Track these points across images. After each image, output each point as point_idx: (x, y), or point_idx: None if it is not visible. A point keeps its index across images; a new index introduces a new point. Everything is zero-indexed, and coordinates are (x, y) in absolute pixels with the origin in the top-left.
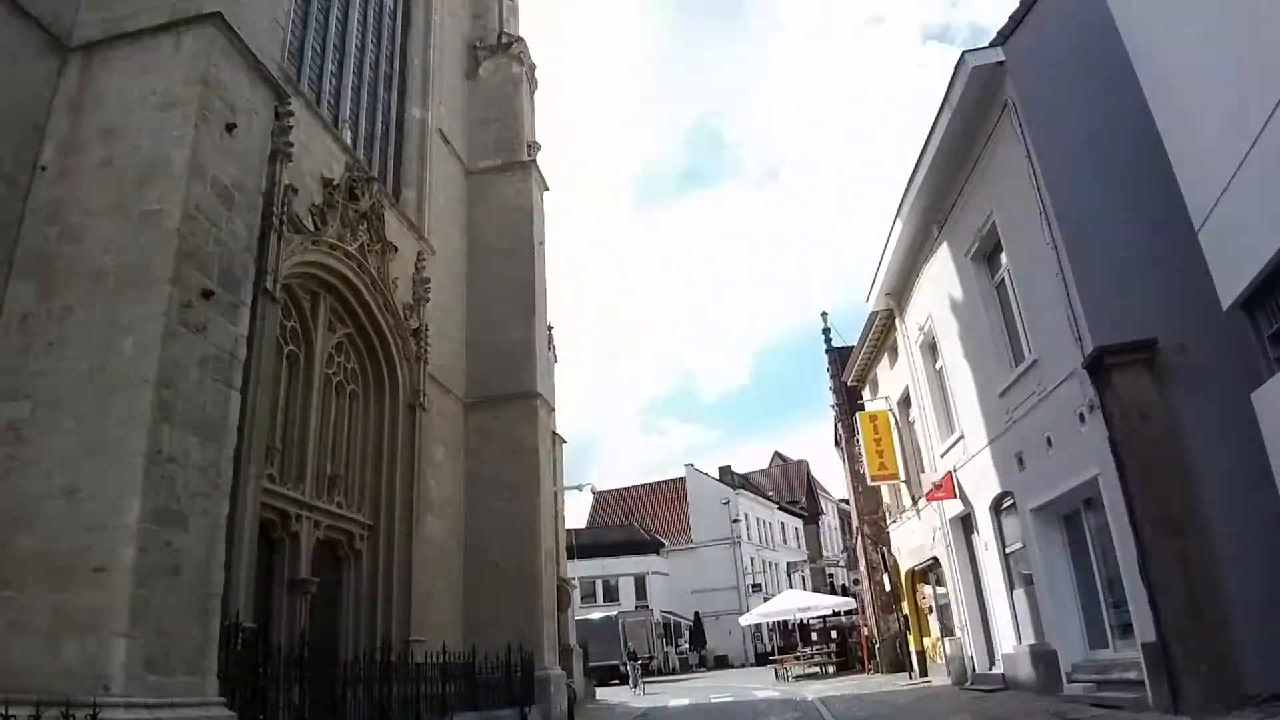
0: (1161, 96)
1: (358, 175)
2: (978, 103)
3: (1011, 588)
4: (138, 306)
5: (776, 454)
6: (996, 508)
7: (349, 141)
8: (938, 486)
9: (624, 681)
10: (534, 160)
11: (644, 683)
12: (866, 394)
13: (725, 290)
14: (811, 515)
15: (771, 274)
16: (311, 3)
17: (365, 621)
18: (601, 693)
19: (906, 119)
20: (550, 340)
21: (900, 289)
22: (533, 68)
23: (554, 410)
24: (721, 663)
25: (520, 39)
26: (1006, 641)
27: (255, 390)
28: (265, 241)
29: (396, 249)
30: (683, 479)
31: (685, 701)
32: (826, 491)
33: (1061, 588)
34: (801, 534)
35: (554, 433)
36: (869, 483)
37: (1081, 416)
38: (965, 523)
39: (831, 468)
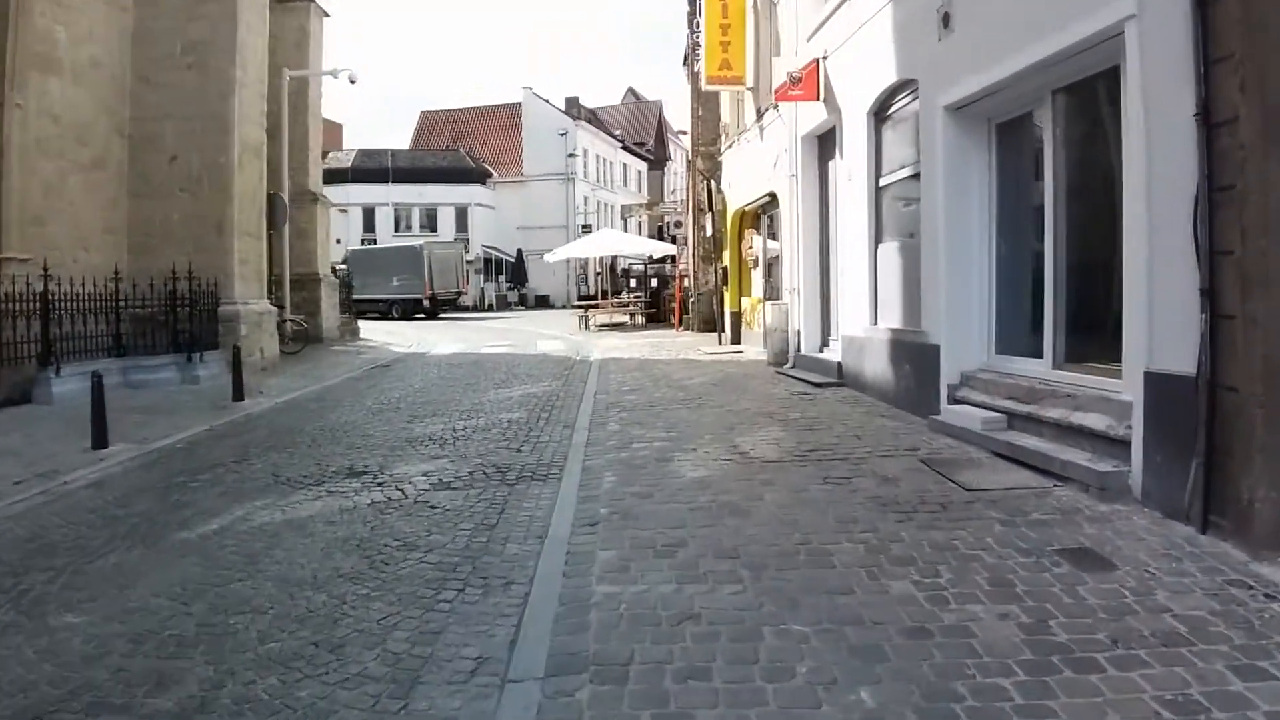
0: None
1: None
2: None
3: (878, 239)
4: None
5: (630, 90)
6: (881, 111)
7: None
8: (795, 81)
9: (429, 316)
10: None
11: (444, 319)
12: None
13: None
14: (658, 160)
15: None
16: None
17: None
18: (377, 331)
19: None
20: None
21: None
22: None
23: None
24: (543, 303)
25: None
26: (854, 319)
27: None
28: None
29: None
30: (519, 105)
31: (454, 349)
32: (678, 138)
33: (968, 245)
34: (645, 179)
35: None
36: (705, 86)
37: None
38: (824, 142)
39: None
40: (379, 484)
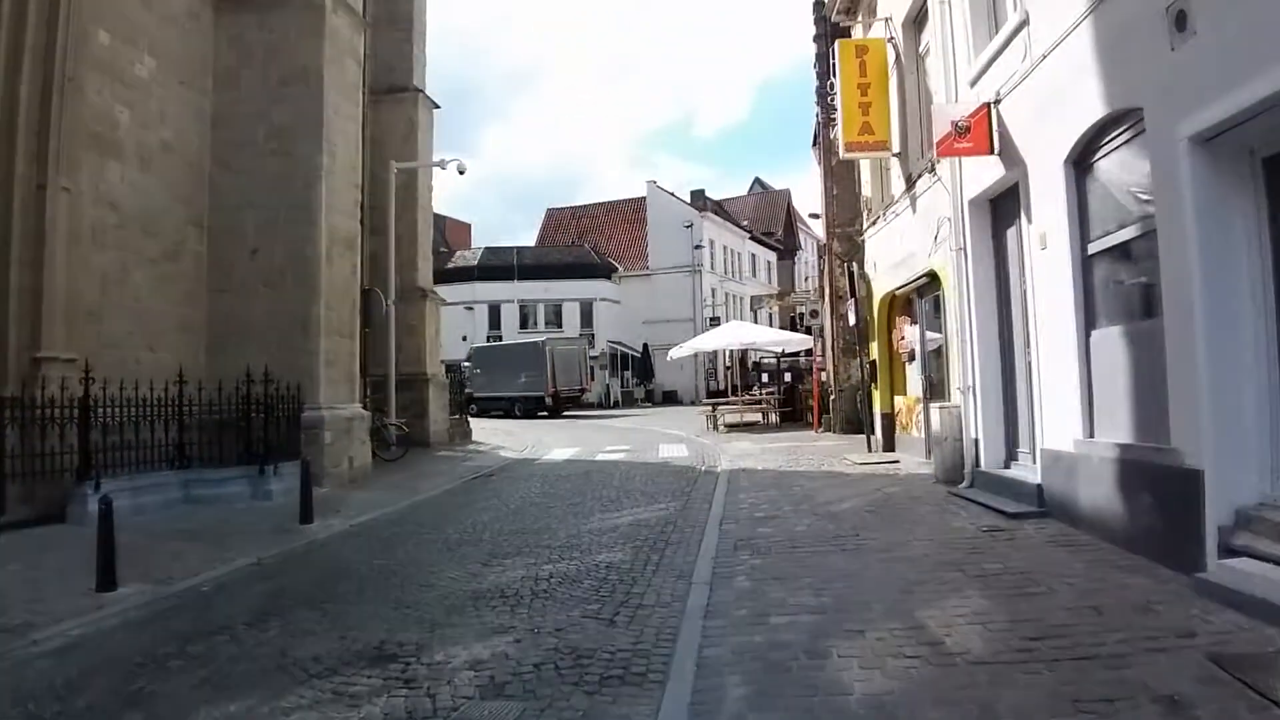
0: None
1: None
2: None
3: (1089, 323)
4: None
5: (757, 180)
6: (1083, 158)
7: None
8: (961, 131)
9: (552, 414)
10: None
11: (566, 416)
12: (858, 30)
13: (729, 12)
14: (788, 250)
15: None
16: None
17: None
18: (494, 432)
19: None
20: None
21: None
22: None
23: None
24: (670, 399)
25: None
26: (1060, 428)
27: None
28: None
29: None
30: (643, 199)
31: (567, 454)
32: (808, 226)
33: (1235, 327)
34: (774, 269)
35: (418, 90)
36: (843, 155)
37: None
38: (1000, 206)
39: (816, 198)
40: (406, 682)
